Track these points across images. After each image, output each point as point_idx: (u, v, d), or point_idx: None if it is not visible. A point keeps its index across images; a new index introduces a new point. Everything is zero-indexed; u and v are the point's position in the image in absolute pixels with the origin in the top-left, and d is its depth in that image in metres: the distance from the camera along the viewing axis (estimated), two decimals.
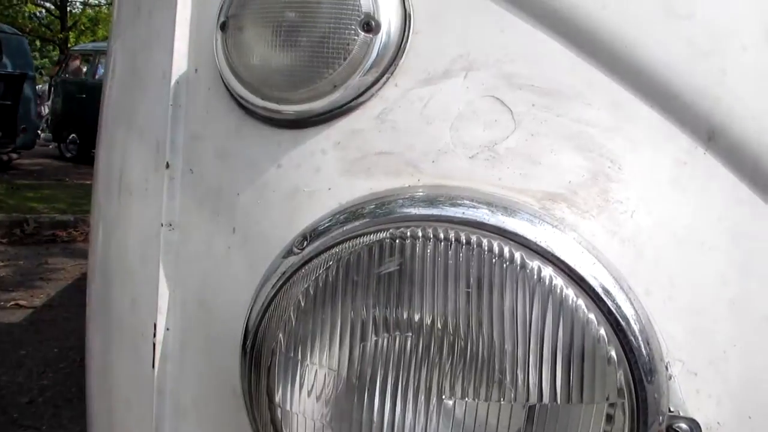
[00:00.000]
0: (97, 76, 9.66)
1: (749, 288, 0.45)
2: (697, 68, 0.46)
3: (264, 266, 0.51)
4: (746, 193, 0.46)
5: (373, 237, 0.44)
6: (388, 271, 0.43)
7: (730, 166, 0.46)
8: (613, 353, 0.41)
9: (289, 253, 0.49)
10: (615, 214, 0.45)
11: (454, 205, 0.45)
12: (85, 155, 9.81)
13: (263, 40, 0.52)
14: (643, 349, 0.42)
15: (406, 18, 0.51)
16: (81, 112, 9.52)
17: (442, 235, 0.43)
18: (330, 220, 0.48)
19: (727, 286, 0.45)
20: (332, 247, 0.46)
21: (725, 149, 0.46)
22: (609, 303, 0.42)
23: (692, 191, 0.46)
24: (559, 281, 0.42)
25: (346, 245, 0.45)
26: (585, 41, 0.48)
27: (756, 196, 0.46)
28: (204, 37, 0.57)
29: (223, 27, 0.53)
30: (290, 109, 0.52)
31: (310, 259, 0.46)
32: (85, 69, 10.59)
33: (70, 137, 10.41)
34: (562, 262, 0.42)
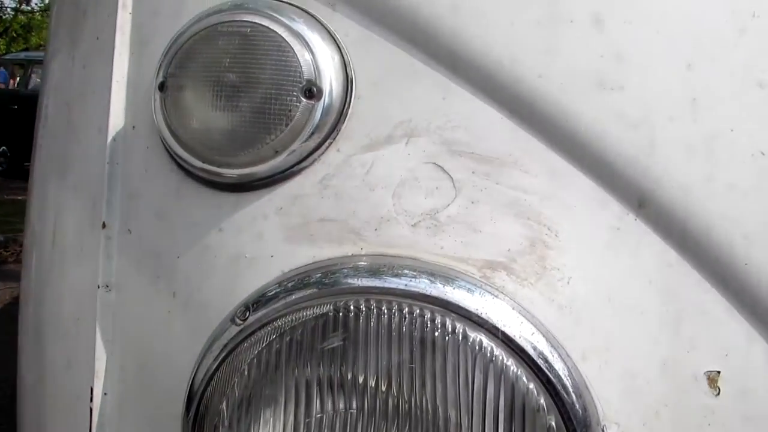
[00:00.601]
0: (30, 86, 9.31)
1: (679, 348, 0.48)
2: (627, 139, 0.49)
3: (206, 333, 0.51)
4: (674, 257, 0.48)
5: (316, 310, 0.45)
6: (332, 346, 0.44)
7: (659, 232, 0.49)
8: (552, 422, 0.43)
9: (231, 322, 0.49)
10: (552, 280, 0.47)
11: (396, 275, 0.46)
12: (16, 168, 9.42)
13: (203, 103, 0.52)
14: (580, 416, 0.44)
15: (347, 83, 0.52)
16: (13, 124, 9.14)
17: (385, 308, 0.44)
18: (272, 290, 0.48)
19: (658, 347, 0.47)
20: (275, 319, 0.46)
21: (655, 216, 0.49)
22: (548, 372, 0.44)
23: (625, 256, 0.49)
24: (499, 351, 0.44)
25: (290, 318, 0.46)
26: (524, 111, 0.50)
27: (683, 259, 0.48)
28: (142, 94, 0.57)
29: (162, 87, 0.53)
30: (231, 173, 0.52)
31: (254, 332, 0.46)
32: (18, 78, 10.19)
33: (0, 150, 9.98)
34: (502, 333, 0.43)
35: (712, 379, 0.47)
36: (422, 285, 0.45)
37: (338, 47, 0.53)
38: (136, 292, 0.56)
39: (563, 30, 0.50)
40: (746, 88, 0.50)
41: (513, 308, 0.45)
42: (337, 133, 0.52)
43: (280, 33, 0.51)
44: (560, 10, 0.50)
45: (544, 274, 0.47)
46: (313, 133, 0.51)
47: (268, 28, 0.51)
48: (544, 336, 0.45)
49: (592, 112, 0.49)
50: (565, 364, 0.45)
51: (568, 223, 0.49)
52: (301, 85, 0.50)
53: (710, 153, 0.49)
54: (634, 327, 0.48)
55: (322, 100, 0.50)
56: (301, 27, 0.52)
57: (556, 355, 0.45)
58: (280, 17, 0.52)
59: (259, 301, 0.48)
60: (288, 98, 0.50)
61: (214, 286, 0.52)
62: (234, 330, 0.48)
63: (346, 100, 0.52)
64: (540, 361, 0.44)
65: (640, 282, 0.48)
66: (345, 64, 0.52)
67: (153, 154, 0.56)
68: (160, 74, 0.54)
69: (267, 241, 0.51)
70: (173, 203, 0.55)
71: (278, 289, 0.48)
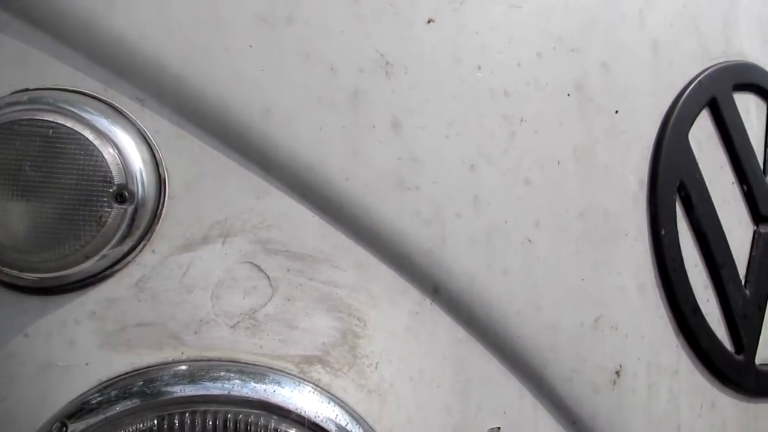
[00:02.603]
0: None
1: (468, 413, 0.58)
2: (423, 234, 0.57)
3: None
4: (463, 334, 0.59)
5: (138, 425, 0.47)
6: None
7: (451, 314, 0.58)
8: None
9: None
10: (363, 368, 0.55)
11: (216, 380, 0.50)
12: None
13: (2, 208, 0.50)
14: None
15: (161, 183, 0.54)
16: None
17: (209, 418, 0.48)
18: (88, 402, 0.49)
19: (451, 416, 0.57)
20: None
21: (447, 300, 0.58)
22: None
23: (423, 337, 0.57)
24: None
25: None
26: (333, 210, 0.56)
27: (470, 336, 0.59)
28: None
29: None
30: (35, 276, 0.52)
31: None
32: None
33: None
34: (320, 427, 0.50)
35: None
36: (242, 389, 0.50)
37: (149, 146, 0.54)
38: None
39: (366, 135, 0.57)
40: (516, 185, 0.61)
41: (329, 401, 0.52)
42: (152, 234, 0.54)
43: (86, 135, 0.52)
44: (363, 117, 0.57)
45: (356, 363, 0.54)
46: (126, 237, 0.53)
47: (72, 129, 0.52)
48: (358, 422, 0.52)
49: (392, 210, 0.57)
50: None
51: (375, 312, 0.56)
52: (111, 191, 0.51)
53: (489, 244, 0.59)
54: (431, 400, 0.57)
55: (135, 203, 0.52)
56: (109, 127, 0.53)
57: None
58: (84, 116, 0.52)
59: (76, 414, 0.50)
60: (98, 204, 0.51)
61: (23, 397, 0.52)
62: None
63: (159, 201, 0.54)
64: None
65: (436, 359, 0.58)
66: (157, 163, 0.54)
67: None
68: None
69: (80, 348, 0.52)
70: None
71: (99, 399, 0.50)
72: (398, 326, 0.58)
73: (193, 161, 0.56)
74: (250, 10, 0.56)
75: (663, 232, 0.67)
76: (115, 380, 0.52)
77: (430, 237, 0.58)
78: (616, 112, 0.68)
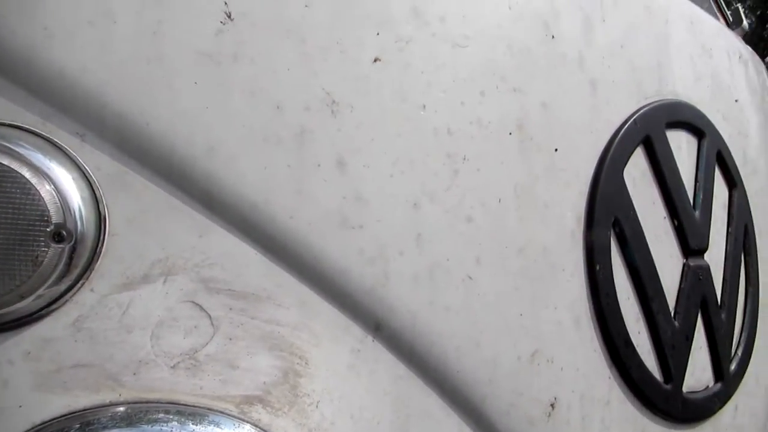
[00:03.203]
0: None
1: None
2: (366, 272, 0.58)
3: None
4: (404, 371, 0.60)
5: None
6: None
7: (392, 350, 0.60)
8: None
9: None
10: (303, 407, 0.55)
11: (153, 422, 0.50)
12: None
13: None
14: None
15: (100, 221, 0.54)
16: None
17: None
18: None
19: None
20: None
21: (389, 337, 0.59)
22: None
23: (364, 374, 0.59)
24: None
25: None
26: (277, 248, 0.57)
27: (411, 372, 0.60)
28: None
29: None
30: None
31: None
32: None
33: None
34: None
35: None
36: (180, 431, 0.50)
37: (89, 182, 0.54)
38: None
39: (311, 174, 0.58)
40: (458, 223, 0.63)
41: None
42: (91, 273, 0.53)
43: (22, 173, 0.51)
44: (308, 155, 0.58)
45: (296, 402, 0.55)
46: (63, 276, 0.52)
47: (8, 167, 0.51)
48: None
49: (336, 249, 0.58)
50: None
51: (316, 351, 0.57)
52: (48, 230, 0.51)
53: (431, 281, 0.61)
54: None
55: (73, 241, 0.52)
56: (47, 163, 0.52)
57: None
58: (21, 152, 0.52)
59: None
60: (34, 243, 0.50)
61: None
62: None
63: (99, 239, 0.54)
64: None
65: (377, 395, 0.59)
66: (97, 200, 0.54)
67: None
68: None
69: (14, 390, 0.51)
70: None
71: None
72: (340, 364, 0.59)
73: (135, 198, 0.55)
74: (195, 47, 0.56)
75: (598, 267, 0.70)
76: (49, 423, 0.51)
77: (373, 275, 0.60)
78: (556, 150, 0.71)
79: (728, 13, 1.24)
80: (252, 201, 0.57)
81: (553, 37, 0.73)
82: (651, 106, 0.80)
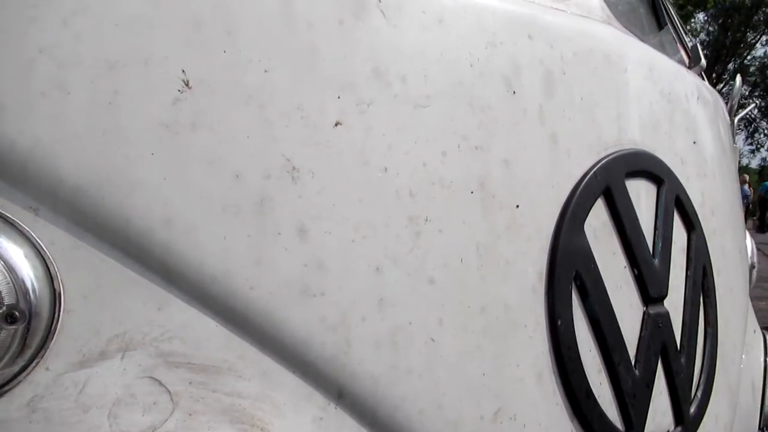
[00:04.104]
0: None
1: None
2: (328, 340, 0.58)
3: None
4: None
5: None
6: None
7: (355, 417, 0.60)
8: None
9: None
10: None
11: None
12: None
13: None
14: None
15: (55, 298, 0.53)
16: None
17: None
18: None
19: None
20: None
21: (351, 404, 0.59)
22: None
23: None
24: None
25: None
26: (238, 319, 0.56)
27: None
28: None
29: None
30: None
31: None
32: None
33: None
34: None
35: None
36: None
37: (43, 258, 0.53)
38: None
39: (272, 243, 0.57)
40: (420, 285, 0.63)
41: None
42: (46, 351, 0.52)
43: None
44: (269, 224, 0.57)
45: None
46: (17, 357, 0.51)
47: None
48: None
49: (298, 317, 0.58)
50: None
51: (279, 421, 0.57)
52: (0, 311, 0.50)
53: (394, 346, 0.61)
54: None
55: (26, 321, 0.51)
56: None
57: None
58: None
59: None
60: None
61: None
62: None
63: (54, 316, 0.53)
64: None
65: None
66: (52, 277, 0.53)
67: None
68: None
69: None
70: None
71: None
72: None
73: (91, 273, 0.54)
74: (152, 117, 0.56)
75: (559, 322, 0.71)
76: None
77: (335, 342, 0.59)
78: (517, 206, 0.71)
79: (690, 48, 1.27)
80: (211, 272, 0.56)
81: (514, 92, 0.74)
82: (611, 156, 0.81)
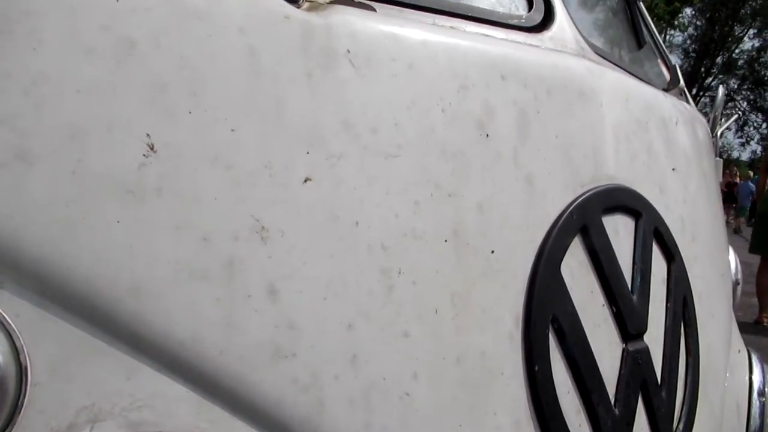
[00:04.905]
0: None
1: None
2: (301, 401, 0.58)
3: None
4: None
5: None
6: None
7: None
8: None
9: None
10: None
11: None
12: None
13: None
14: None
15: (21, 371, 0.52)
16: None
17: None
18: None
19: None
20: None
21: None
22: None
23: None
24: None
25: None
26: (208, 384, 0.56)
27: None
28: None
29: None
30: None
31: None
32: None
33: None
34: None
35: None
36: None
37: (8, 332, 0.52)
38: None
39: (241, 305, 0.57)
40: (394, 340, 0.62)
41: None
42: (12, 427, 0.52)
43: None
44: (238, 287, 0.57)
45: None
46: None
47: None
48: None
49: (269, 380, 0.57)
50: None
51: None
52: None
53: (368, 402, 0.61)
54: None
55: None
56: None
57: None
58: None
59: None
60: None
61: None
62: None
63: (20, 391, 0.52)
64: None
65: None
66: (18, 350, 0.52)
67: None
68: None
69: None
70: None
71: None
72: None
73: (58, 344, 0.54)
74: (117, 184, 0.55)
75: (536, 367, 0.71)
76: None
77: (307, 403, 0.59)
78: (492, 252, 0.71)
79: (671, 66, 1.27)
80: (180, 338, 0.56)
81: (487, 135, 0.73)
82: (587, 194, 0.81)
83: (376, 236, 0.64)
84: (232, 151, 0.59)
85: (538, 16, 0.88)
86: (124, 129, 0.56)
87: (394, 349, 0.63)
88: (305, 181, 0.61)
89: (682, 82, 1.18)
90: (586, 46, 0.92)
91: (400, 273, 0.64)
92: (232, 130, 0.59)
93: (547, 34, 0.87)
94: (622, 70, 1.04)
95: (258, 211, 0.59)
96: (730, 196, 16.68)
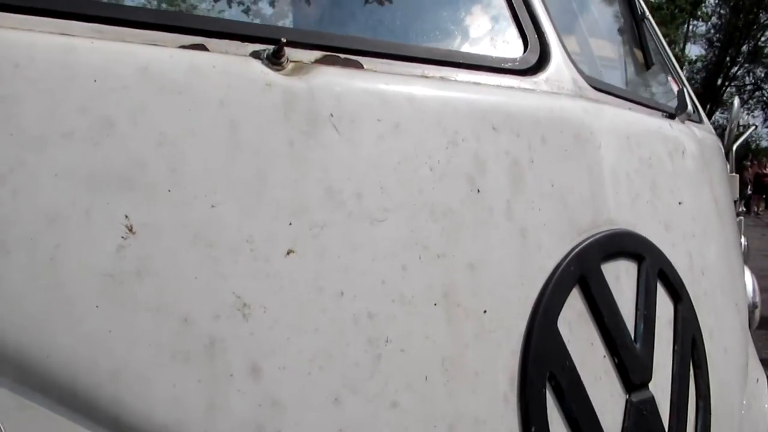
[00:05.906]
0: None
1: None
2: None
3: None
4: None
5: None
6: None
7: None
8: None
9: None
10: None
11: None
12: None
13: None
14: None
15: None
16: None
17: None
18: None
19: None
20: None
21: None
22: None
23: None
24: None
25: None
26: None
27: None
28: None
29: None
30: None
31: None
32: None
33: None
34: None
35: None
36: None
37: None
38: None
39: (224, 385, 0.55)
40: (382, 411, 0.61)
41: None
42: None
43: None
44: (220, 367, 0.55)
45: None
46: None
47: None
48: None
49: None
50: None
51: None
52: None
53: None
54: None
55: None
56: None
57: None
58: None
59: None
60: None
61: None
62: None
63: None
64: None
65: None
66: None
67: None
68: None
69: None
70: None
71: None
72: None
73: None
74: (94, 269, 0.54)
75: (533, 429, 0.68)
76: None
77: None
78: (485, 312, 0.68)
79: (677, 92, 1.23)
80: (162, 422, 0.54)
81: (478, 191, 0.71)
82: (586, 242, 0.78)
83: (362, 305, 0.62)
84: (213, 228, 0.58)
85: (533, 57, 0.85)
86: (102, 212, 0.55)
87: (383, 421, 0.61)
88: (288, 253, 0.60)
89: (690, 107, 1.14)
90: (585, 84, 0.89)
91: (387, 341, 0.63)
92: (213, 206, 0.58)
93: (542, 76, 0.84)
94: (625, 101, 1.00)
95: (239, 288, 0.58)
96: (760, 186, 16.29)
